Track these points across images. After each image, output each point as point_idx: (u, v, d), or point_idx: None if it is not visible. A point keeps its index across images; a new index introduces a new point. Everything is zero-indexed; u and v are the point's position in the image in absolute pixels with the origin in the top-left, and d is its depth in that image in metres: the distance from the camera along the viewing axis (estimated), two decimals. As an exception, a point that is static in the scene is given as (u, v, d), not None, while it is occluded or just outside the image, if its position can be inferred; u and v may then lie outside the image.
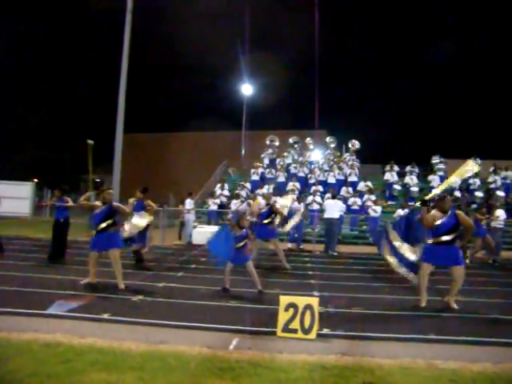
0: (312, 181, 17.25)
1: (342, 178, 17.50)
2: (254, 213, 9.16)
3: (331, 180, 17.19)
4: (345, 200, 14.84)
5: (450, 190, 14.78)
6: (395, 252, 6.21)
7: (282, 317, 4.40)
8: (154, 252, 10.44)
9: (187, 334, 4.46)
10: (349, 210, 14.60)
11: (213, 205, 15.20)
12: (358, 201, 14.86)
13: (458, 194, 15.72)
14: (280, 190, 14.67)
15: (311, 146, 21.24)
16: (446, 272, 6.03)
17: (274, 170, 18.36)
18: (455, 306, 5.67)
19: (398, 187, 17.53)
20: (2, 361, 3.48)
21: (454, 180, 7.89)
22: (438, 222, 5.68)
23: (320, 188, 15.62)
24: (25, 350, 3.72)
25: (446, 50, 53.88)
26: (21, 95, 32.06)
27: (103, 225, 6.41)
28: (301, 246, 12.63)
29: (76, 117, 34.04)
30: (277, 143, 21.13)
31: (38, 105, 32.65)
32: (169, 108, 53.11)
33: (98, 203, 6.60)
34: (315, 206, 13.60)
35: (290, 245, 12.55)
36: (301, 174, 17.93)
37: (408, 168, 18.67)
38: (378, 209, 13.80)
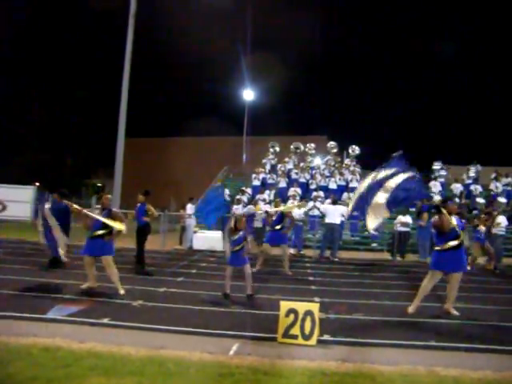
0: (313, 186, 17.27)
1: (344, 183, 17.49)
2: (269, 218, 9.30)
3: (332, 186, 17.15)
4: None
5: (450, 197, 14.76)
6: None
7: (283, 322, 4.38)
8: (153, 257, 10.43)
9: (187, 339, 4.45)
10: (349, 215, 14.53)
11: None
12: (359, 206, 14.77)
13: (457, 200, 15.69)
14: (281, 196, 14.67)
15: (312, 151, 21.25)
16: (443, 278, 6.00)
17: (275, 176, 18.38)
18: (455, 313, 5.65)
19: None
20: (1, 365, 3.48)
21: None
22: (454, 223, 5.66)
23: (321, 194, 15.60)
24: (24, 354, 3.72)
25: (448, 57, 54.14)
26: (22, 98, 32.07)
27: (99, 232, 6.39)
28: (301, 252, 12.61)
29: (78, 120, 34.04)
30: (278, 149, 21.16)
31: (40, 108, 32.65)
32: (170, 113, 53.31)
33: (98, 207, 6.62)
34: (316, 212, 13.58)
35: (291, 250, 12.53)
36: (302, 180, 17.93)
37: (409, 174, 18.61)
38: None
